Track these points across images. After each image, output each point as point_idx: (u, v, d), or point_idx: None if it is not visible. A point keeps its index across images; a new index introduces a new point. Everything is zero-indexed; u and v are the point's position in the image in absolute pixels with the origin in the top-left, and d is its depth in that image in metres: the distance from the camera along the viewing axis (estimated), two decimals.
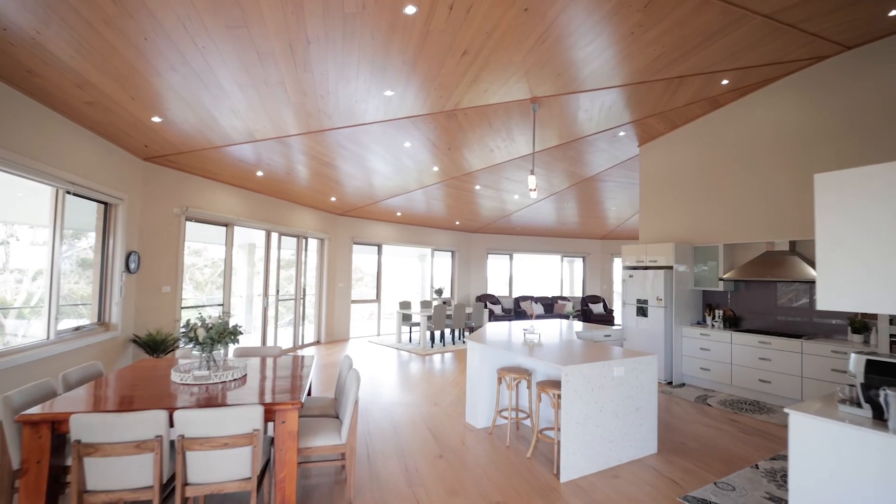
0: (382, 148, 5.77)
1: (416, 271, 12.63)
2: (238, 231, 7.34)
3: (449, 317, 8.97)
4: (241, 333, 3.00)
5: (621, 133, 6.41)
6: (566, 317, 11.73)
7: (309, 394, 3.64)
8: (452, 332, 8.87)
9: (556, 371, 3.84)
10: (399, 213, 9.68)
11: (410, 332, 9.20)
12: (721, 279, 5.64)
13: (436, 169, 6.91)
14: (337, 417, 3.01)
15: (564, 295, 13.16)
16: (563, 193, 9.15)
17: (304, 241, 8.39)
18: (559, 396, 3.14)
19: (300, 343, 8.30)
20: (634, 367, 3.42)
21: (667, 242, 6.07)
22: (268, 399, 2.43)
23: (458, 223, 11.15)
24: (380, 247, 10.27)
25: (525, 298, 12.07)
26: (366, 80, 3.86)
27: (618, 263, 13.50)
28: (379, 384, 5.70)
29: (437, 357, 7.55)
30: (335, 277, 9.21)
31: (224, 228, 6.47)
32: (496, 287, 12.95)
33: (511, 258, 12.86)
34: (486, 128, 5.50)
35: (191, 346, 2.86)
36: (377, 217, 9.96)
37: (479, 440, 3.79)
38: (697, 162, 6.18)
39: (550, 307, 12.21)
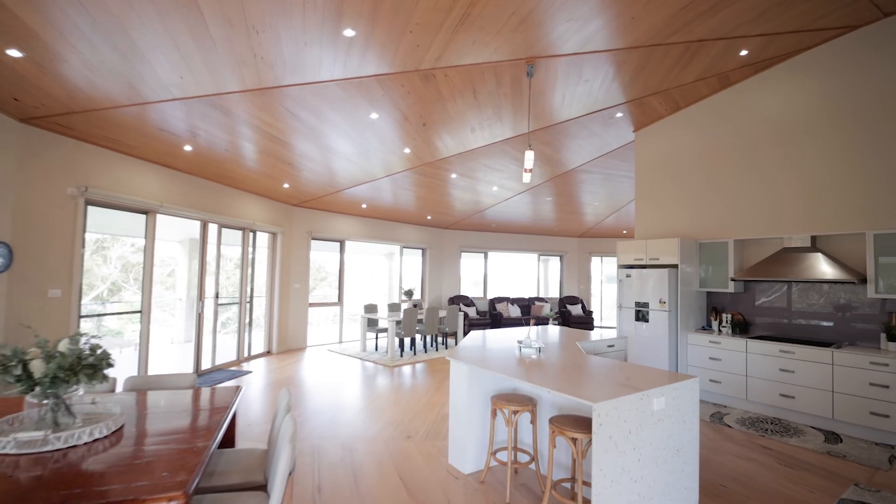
0: (343, 119, 4.74)
1: (383, 271, 11.58)
2: (170, 222, 6.08)
3: (420, 321, 8.00)
4: (110, 365, 1.93)
5: (619, 114, 5.66)
6: (545, 320, 11.03)
7: (231, 443, 2.59)
8: (424, 338, 7.92)
9: (571, 401, 2.98)
10: (364, 206, 8.62)
11: (377, 339, 8.15)
12: (733, 279, 4.98)
13: (407, 151, 5.94)
14: (264, 489, 2.00)
15: (541, 296, 12.48)
16: (543, 187, 8.38)
17: (251, 234, 7.19)
18: (589, 443, 2.27)
19: (245, 355, 7.10)
20: (676, 396, 2.59)
21: (670, 238, 5.37)
22: (138, 486, 1.39)
23: (429, 218, 10.20)
24: (342, 243, 9.16)
25: (501, 300, 11.28)
26: (318, 9, 2.84)
27: (596, 263, 12.98)
28: (337, 410, 4.67)
29: (407, 369, 6.56)
30: (290, 277, 8.04)
31: (143, 217, 5.22)
32: (470, 288, 12.10)
33: (486, 257, 12.04)
34: (469, 98, 4.58)
35: (19, 387, 1.77)
36: (339, 209, 8.85)
37: (469, 493, 2.86)
38: (702, 148, 5.52)
39: (527, 309, 11.48)
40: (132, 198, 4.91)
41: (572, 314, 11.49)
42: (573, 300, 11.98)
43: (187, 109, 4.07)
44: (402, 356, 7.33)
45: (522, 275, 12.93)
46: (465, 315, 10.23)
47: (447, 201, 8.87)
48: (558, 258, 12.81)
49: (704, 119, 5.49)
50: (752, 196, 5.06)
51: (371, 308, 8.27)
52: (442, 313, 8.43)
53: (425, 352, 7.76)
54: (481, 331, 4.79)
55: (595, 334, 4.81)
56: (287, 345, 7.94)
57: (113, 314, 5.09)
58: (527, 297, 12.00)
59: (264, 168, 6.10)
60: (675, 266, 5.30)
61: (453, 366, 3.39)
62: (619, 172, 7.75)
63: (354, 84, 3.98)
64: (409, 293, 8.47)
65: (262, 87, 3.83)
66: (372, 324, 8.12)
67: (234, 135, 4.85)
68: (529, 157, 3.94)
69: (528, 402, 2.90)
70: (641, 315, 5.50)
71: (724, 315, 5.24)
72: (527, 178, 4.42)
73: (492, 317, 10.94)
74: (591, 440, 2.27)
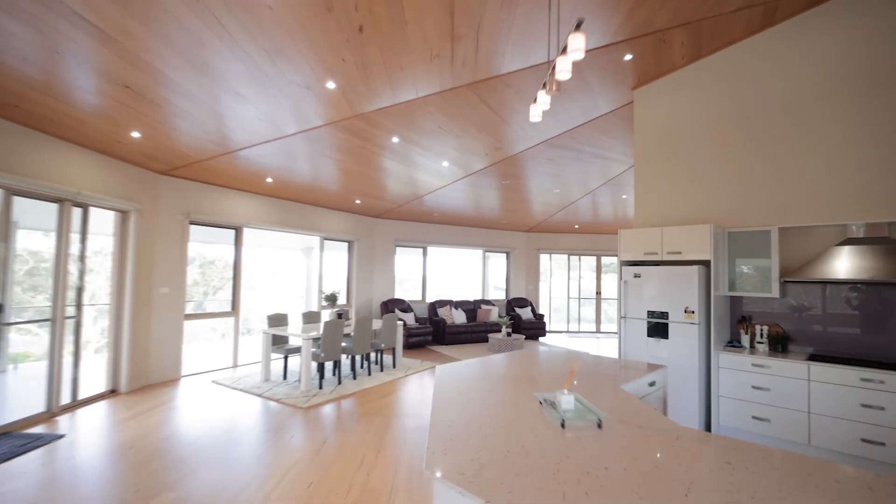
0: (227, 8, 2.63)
1: (299, 269, 9.26)
2: None
3: (348, 336, 5.98)
4: None
5: (628, 56, 4.19)
6: (496, 327, 9.51)
7: None
8: (353, 359, 5.89)
9: None
10: (270, 180, 6.35)
11: (286, 362, 5.93)
12: (787, 280, 3.72)
13: (331, 87, 3.92)
14: None
15: (488, 298, 10.98)
16: (500, 167, 6.80)
17: (74, 210, 4.65)
18: None
19: (67, 401, 4.54)
20: None
21: (695, 225, 4.01)
22: None
23: (358, 202, 8.13)
24: (238, 231, 6.77)
25: (443, 304, 9.56)
26: None
27: (545, 260, 11.79)
28: None
29: (328, 412, 4.54)
30: (154, 278, 5.54)
31: None
32: (405, 290, 10.21)
33: (425, 252, 10.23)
34: None
35: None
36: (234, 183, 6.47)
37: None
38: (731, 110, 4.24)
39: (473, 314, 9.89)
40: None
41: (522, 318, 10.14)
42: (522, 302, 10.64)
43: None
44: (321, 388, 5.25)
45: (464, 274, 11.35)
46: (403, 323, 8.35)
47: (380, 179, 6.91)
48: (504, 255, 11.42)
49: (735, 70, 4.21)
50: (801, 171, 3.85)
51: (278, 320, 6.04)
52: (376, 324, 6.46)
53: (354, 378, 5.75)
54: (448, 367, 2.97)
55: (559, 342, 3.26)
56: (147, 377, 5.43)
57: None
58: (472, 299, 10.42)
59: (104, 104, 3.70)
60: (707, 263, 3.95)
61: (439, 490, 1.53)
62: (594, 150, 6.39)
63: None
64: (332, 298, 6.39)
65: None
66: (279, 342, 5.91)
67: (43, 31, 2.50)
68: (543, 100, 2.20)
69: None
70: (657, 329, 4.08)
71: (757, 327, 4.00)
72: (535, 117, 2.69)
73: (433, 324, 9.17)
74: None
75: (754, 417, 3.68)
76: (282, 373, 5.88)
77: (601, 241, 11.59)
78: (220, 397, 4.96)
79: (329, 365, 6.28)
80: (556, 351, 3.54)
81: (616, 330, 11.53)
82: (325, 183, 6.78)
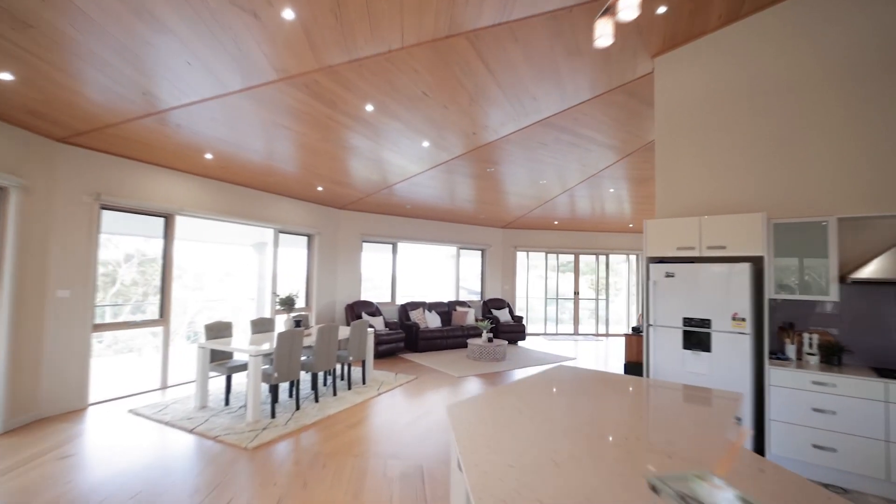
0: None
1: (251, 268, 8.02)
2: None
3: (308, 348, 4.92)
4: None
5: (661, 9, 3.46)
6: (474, 331, 8.68)
7: None
8: (314, 377, 4.83)
9: None
10: (209, 156, 5.15)
11: (229, 383, 4.77)
12: (855, 280, 3.10)
13: (289, 17, 2.90)
14: None
15: (462, 299, 10.13)
16: (482, 154, 5.98)
17: None
18: None
19: None
20: None
21: (742, 214, 3.33)
22: None
23: (320, 189, 7.03)
24: (169, 219, 5.51)
25: (415, 306, 8.60)
26: None
27: (522, 258, 11.10)
28: None
29: (282, 453, 3.50)
30: (47, 278, 4.24)
31: None
32: (373, 291, 9.18)
33: (395, 249, 9.23)
34: None
35: None
36: (160, 157, 5.22)
37: None
38: (777, 79, 3.60)
39: (448, 317, 9.01)
40: None
41: (501, 321, 9.38)
42: (499, 303, 9.89)
43: None
44: (273, 416, 4.17)
45: (436, 273, 10.46)
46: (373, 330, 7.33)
47: (348, 160, 5.88)
48: (479, 252, 10.62)
49: (783, 33, 3.58)
50: (866, 153, 3.26)
51: (219, 330, 4.87)
52: (343, 333, 5.43)
53: (316, 400, 4.70)
54: (466, 409, 2.06)
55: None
56: (37, 410, 4.13)
57: None
58: (446, 300, 9.53)
59: None
60: (760, 259, 3.27)
61: None
62: (592, 134, 5.68)
63: None
64: (289, 302, 5.29)
65: None
66: (221, 357, 4.76)
67: None
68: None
69: None
70: (697, 340, 3.37)
71: (805, 336, 3.39)
72: (602, 40, 1.85)
73: (405, 329, 8.20)
74: None
75: (815, 446, 3.04)
76: (223, 397, 4.73)
77: (581, 238, 11.06)
78: (138, 435, 3.78)
79: (285, 384, 5.18)
80: (587, 374, 2.71)
81: (595, 332, 11.21)
82: (281, 163, 5.65)
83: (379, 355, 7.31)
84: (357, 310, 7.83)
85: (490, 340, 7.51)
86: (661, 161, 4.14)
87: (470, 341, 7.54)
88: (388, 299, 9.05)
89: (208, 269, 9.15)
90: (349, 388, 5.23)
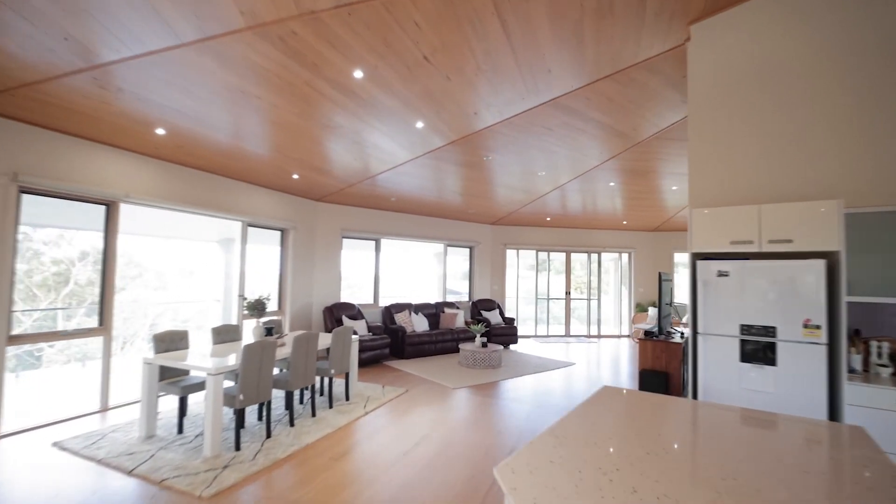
0: None
1: (216, 266, 7.15)
2: None
3: (283, 361, 4.15)
4: None
5: None
6: (464, 335, 8.04)
7: None
8: (289, 395, 4.06)
9: None
10: (161, 131, 4.30)
11: (183, 406, 3.92)
12: None
13: None
14: None
15: (451, 300, 9.47)
16: (478, 141, 5.36)
17: None
18: None
19: None
20: None
21: (811, 201, 2.80)
22: None
23: (296, 177, 6.22)
24: (112, 207, 4.61)
25: (400, 308, 7.89)
26: None
27: (511, 256, 10.53)
28: None
29: (248, 502, 2.74)
30: None
31: None
32: (353, 292, 8.41)
33: (378, 246, 8.48)
34: None
35: None
36: (98, 131, 4.34)
37: None
38: (846, 42, 3.10)
39: (435, 320, 8.34)
40: None
41: (491, 323, 8.78)
42: (488, 304, 9.28)
43: None
44: (238, 448, 3.40)
45: (420, 273, 9.78)
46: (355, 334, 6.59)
47: (329, 142, 5.12)
48: (467, 250, 9.99)
49: None
50: None
51: (171, 341, 4.03)
52: (324, 341, 4.67)
53: (291, 424, 3.93)
54: (523, 467, 1.40)
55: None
56: None
57: None
58: (433, 301, 8.85)
59: None
60: (834, 254, 2.74)
61: None
62: (603, 118, 5.13)
63: None
64: (258, 307, 4.49)
65: None
66: (173, 375, 3.93)
67: None
68: None
69: None
70: (758, 351, 2.82)
71: (873, 344, 2.90)
72: None
73: (390, 334, 7.48)
74: None
75: None
76: (175, 422, 3.90)
77: (573, 235, 10.58)
78: (57, 479, 2.94)
79: (252, 409, 4.39)
80: (644, 399, 2.10)
81: (587, 333, 10.73)
82: (250, 143, 4.85)
83: (362, 363, 6.57)
84: (337, 313, 7.06)
85: (484, 345, 6.88)
86: (694, 146, 3.59)
87: (462, 346, 6.90)
88: (371, 300, 8.30)
89: (170, 268, 8.18)
90: (330, 407, 4.48)
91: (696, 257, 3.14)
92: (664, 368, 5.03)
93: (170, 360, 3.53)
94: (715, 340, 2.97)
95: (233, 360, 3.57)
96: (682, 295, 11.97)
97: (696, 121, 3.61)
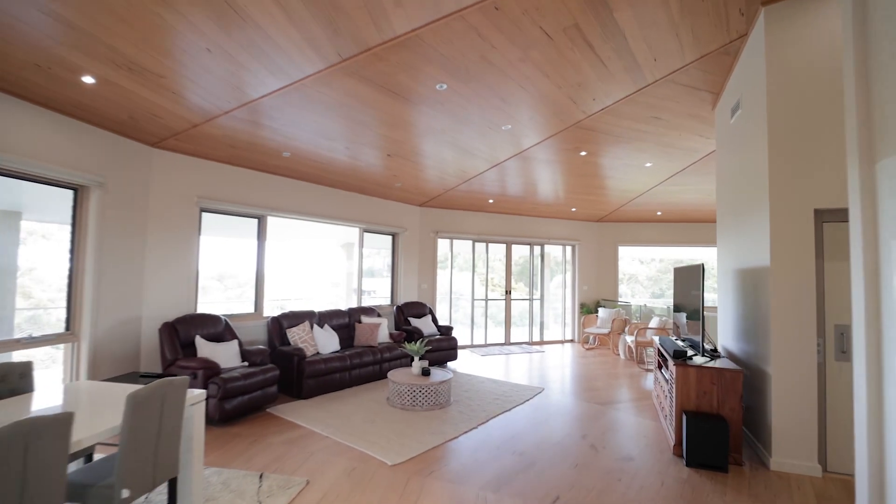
0: None
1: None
2: None
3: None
4: None
5: None
6: (395, 354, 5.74)
7: None
8: None
9: None
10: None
11: None
12: None
13: None
14: None
15: (368, 305, 7.03)
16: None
17: None
18: None
19: None
20: None
21: None
22: None
23: (90, 81, 3.32)
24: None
25: (296, 319, 5.29)
26: None
27: (443, 245, 8.43)
28: None
29: None
30: None
31: None
32: (220, 296, 5.59)
33: (261, 225, 5.71)
34: None
35: None
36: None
37: None
38: None
39: (348, 333, 5.89)
40: None
41: (424, 335, 6.62)
42: (418, 309, 7.11)
43: None
44: None
45: (324, 268, 7.23)
46: (208, 375, 3.89)
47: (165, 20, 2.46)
48: (389, 238, 7.67)
49: None
50: None
51: None
52: (109, 420, 2.04)
53: None
54: None
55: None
56: None
57: None
58: (344, 307, 6.36)
59: None
60: None
61: None
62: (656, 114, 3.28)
63: None
64: None
65: None
66: None
67: None
68: None
69: None
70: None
71: None
72: None
73: (279, 360, 4.87)
74: None
75: None
76: None
77: (514, 224, 8.87)
78: None
79: None
80: None
81: (529, 340, 8.92)
82: None
83: (228, 416, 3.91)
84: (188, 332, 4.26)
85: (426, 373, 4.70)
86: (774, 142, 1.84)
87: (392, 376, 4.63)
88: (251, 309, 5.54)
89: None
90: None
91: None
92: (717, 409, 3.42)
93: None
94: None
95: None
96: (642, 294, 11.07)
97: (774, 119, 1.85)
